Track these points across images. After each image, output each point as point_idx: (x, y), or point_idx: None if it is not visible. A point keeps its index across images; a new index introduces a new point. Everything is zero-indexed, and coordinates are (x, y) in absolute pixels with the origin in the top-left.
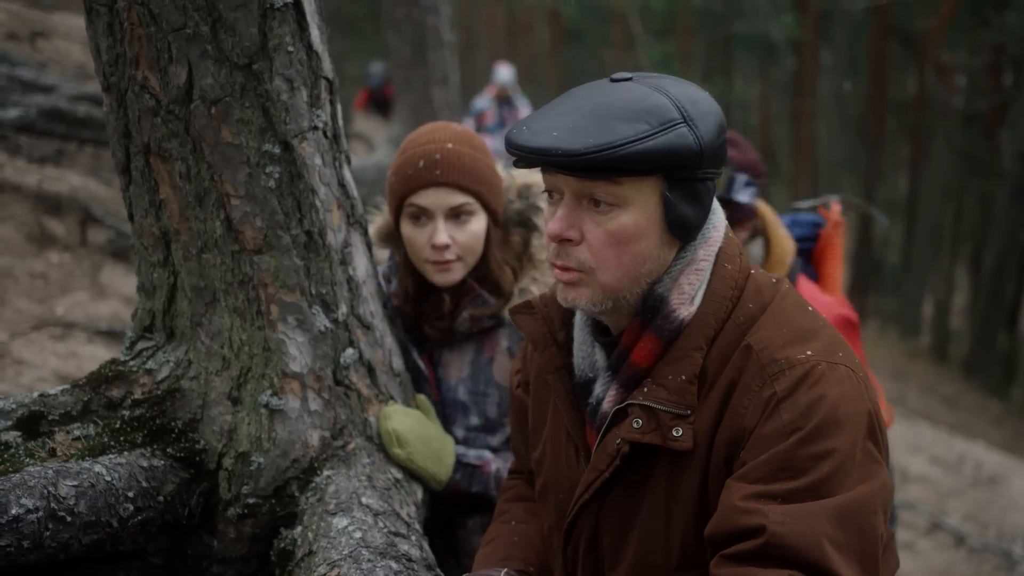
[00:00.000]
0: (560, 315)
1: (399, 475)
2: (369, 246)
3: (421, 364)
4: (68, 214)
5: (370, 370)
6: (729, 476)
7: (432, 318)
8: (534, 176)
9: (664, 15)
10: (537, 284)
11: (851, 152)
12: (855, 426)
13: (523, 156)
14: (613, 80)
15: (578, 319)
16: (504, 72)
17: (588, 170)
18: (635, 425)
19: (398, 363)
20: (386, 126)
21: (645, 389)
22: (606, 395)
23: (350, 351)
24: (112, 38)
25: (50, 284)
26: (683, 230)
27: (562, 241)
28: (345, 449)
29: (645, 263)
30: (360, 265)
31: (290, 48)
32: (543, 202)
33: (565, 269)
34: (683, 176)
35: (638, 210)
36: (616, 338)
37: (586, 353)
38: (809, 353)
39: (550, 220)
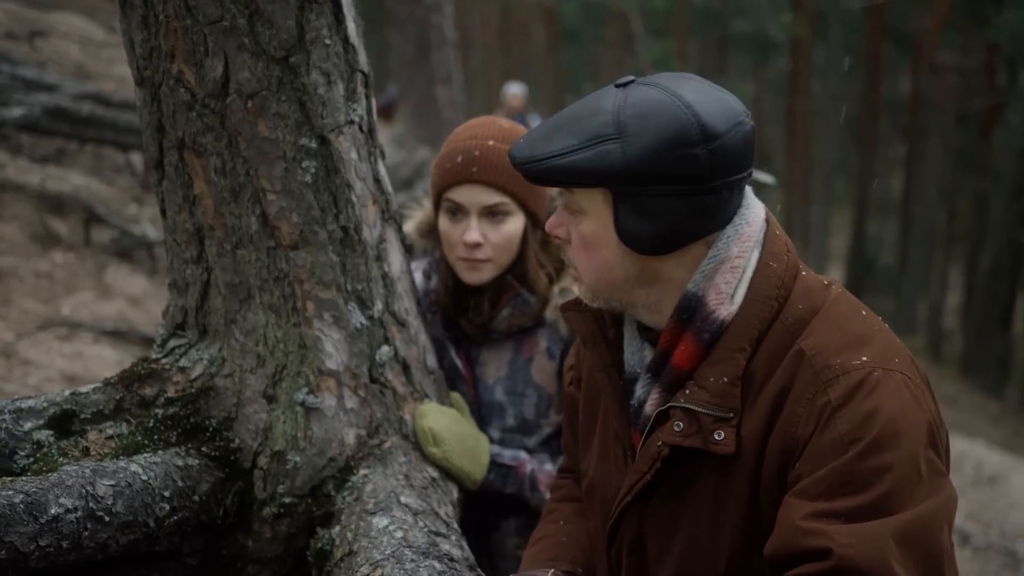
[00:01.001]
0: (611, 312)
1: (435, 474)
2: (403, 242)
3: (458, 362)
4: (71, 213)
5: (405, 368)
6: (783, 486)
7: (470, 314)
8: None
9: (663, 14)
10: (578, 284)
11: (845, 152)
12: (915, 436)
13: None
14: (616, 85)
15: (629, 317)
16: (515, 88)
17: (532, 179)
18: (676, 428)
19: (432, 361)
20: (387, 127)
21: (687, 391)
22: (648, 397)
23: (385, 348)
24: (147, 31)
25: (55, 284)
26: (638, 243)
27: (556, 237)
28: (381, 448)
29: (612, 270)
30: (395, 261)
31: (327, 41)
32: None
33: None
34: (629, 191)
35: (593, 219)
36: (657, 334)
37: (635, 349)
38: (864, 359)
39: None
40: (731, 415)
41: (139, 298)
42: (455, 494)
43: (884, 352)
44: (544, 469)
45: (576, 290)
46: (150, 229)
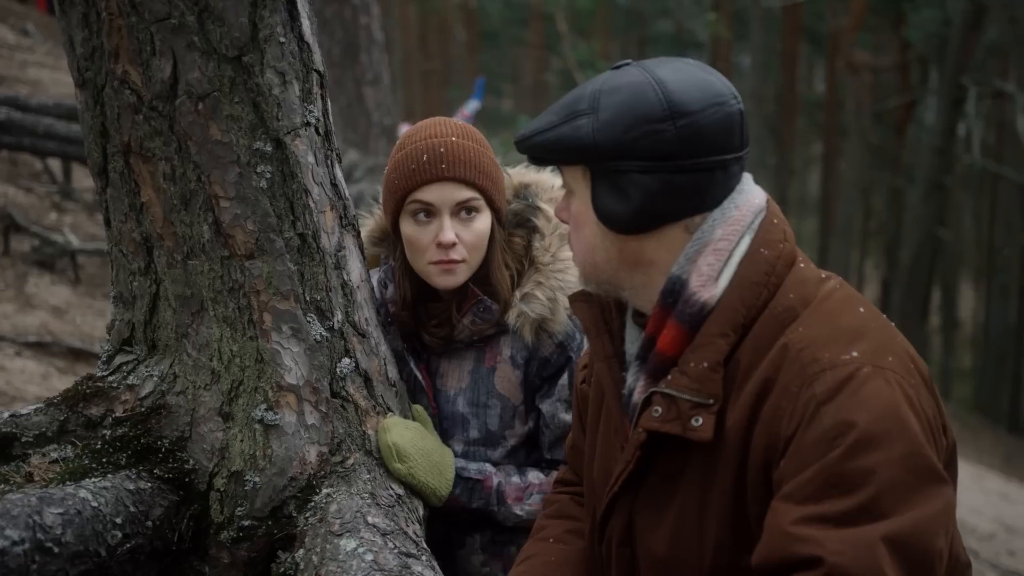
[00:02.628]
0: (616, 302)
1: (401, 491)
2: (361, 249)
3: (419, 375)
4: None
5: (367, 380)
6: (767, 483)
7: (431, 325)
8: (532, 175)
9: (588, 14)
10: (541, 288)
11: (763, 150)
12: (906, 437)
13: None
14: (612, 68)
15: (628, 304)
16: (473, 105)
17: (529, 157)
18: (654, 413)
19: (393, 372)
20: None
21: (669, 377)
22: (636, 385)
23: (346, 361)
24: (88, 30)
25: None
26: (612, 221)
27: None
28: (344, 465)
29: (595, 251)
30: (354, 269)
31: (282, 39)
32: (543, 203)
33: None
34: (603, 168)
35: (579, 198)
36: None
37: (634, 337)
38: (855, 354)
39: None
40: (711, 401)
41: (63, 309)
42: (421, 511)
43: (878, 349)
44: (511, 482)
45: (539, 295)
46: (72, 237)
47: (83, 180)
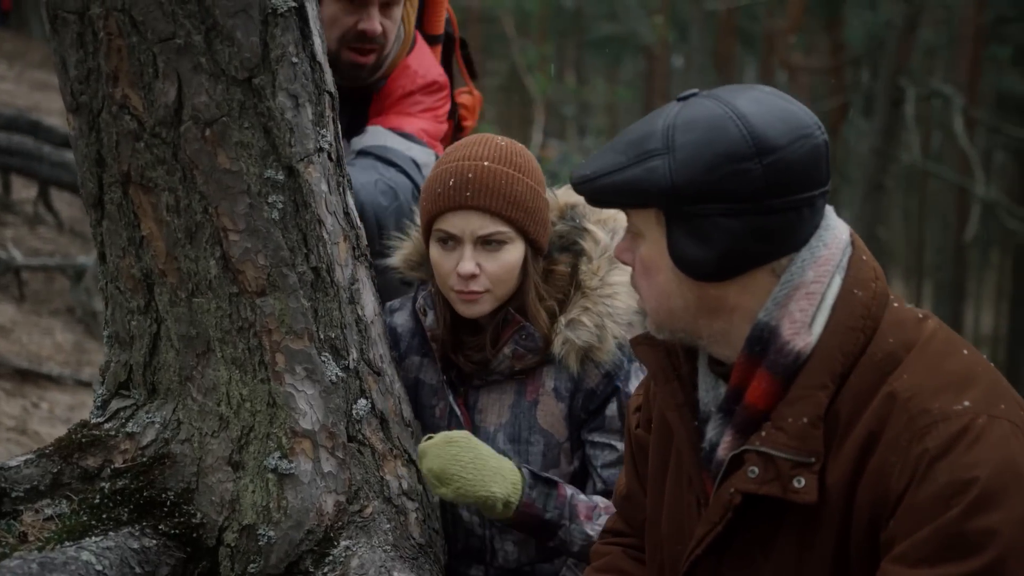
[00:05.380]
0: (684, 346)
1: (422, 540)
2: (374, 281)
3: (456, 408)
4: None
5: (383, 422)
6: (874, 545)
7: (468, 349)
8: (576, 196)
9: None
10: (588, 314)
11: None
12: None
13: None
14: (677, 99)
15: (701, 350)
16: None
17: (589, 200)
18: (751, 474)
19: (408, 411)
20: None
21: (763, 433)
22: (721, 440)
23: (362, 402)
24: (83, 50)
25: None
26: (693, 269)
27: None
28: (362, 514)
29: (670, 298)
30: (368, 303)
31: (294, 59)
32: (591, 224)
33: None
34: (681, 211)
35: (650, 242)
36: (730, 369)
37: (709, 386)
38: (967, 403)
39: None
40: (812, 460)
41: (8, 327)
42: (442, 559)
43: (989, 396)
44: (580, 499)
45: (586, 321)
46: (15, 252)
47: (21, 191)
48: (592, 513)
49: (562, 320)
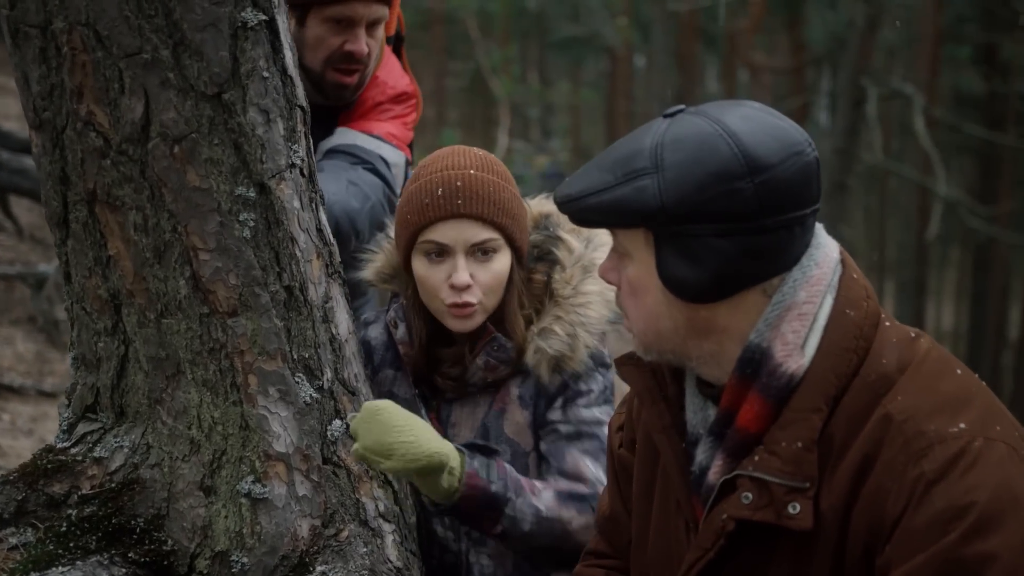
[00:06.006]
0: (671, 367)
1: (400, 563)
2: (347, 298)
3: (429, 423)
4: None
5: None
6: (870, 571)
7: (444, 367)
8: (551, 205)
9: (497, 18)
10: (560, 323)
11: None
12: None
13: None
14: (664, 116)
15: (689, 371)
16: None
17: (573, 220)
18: (744, 500)
19: None
20: None
21: (756, 458)
22: (711, 464)
23: (337, 423)
24: (46, 66)
25: None
26: (682, 290)
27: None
28: (338, 538)
29: (659, 319)
30: (342, 322)
31: (265, 73)
32: (565, 233)
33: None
34: (670, 231)
35: (638, 262)
36: (719, 391)
37: (697, 407)
38: (963, 426)
39: None
40: (807, 485)
41: None
42: None
43: (984, 417)
44: (519, 474)
45: (558, 330)
46: None
47: None
48: (534, 488)
49: (534, 329)
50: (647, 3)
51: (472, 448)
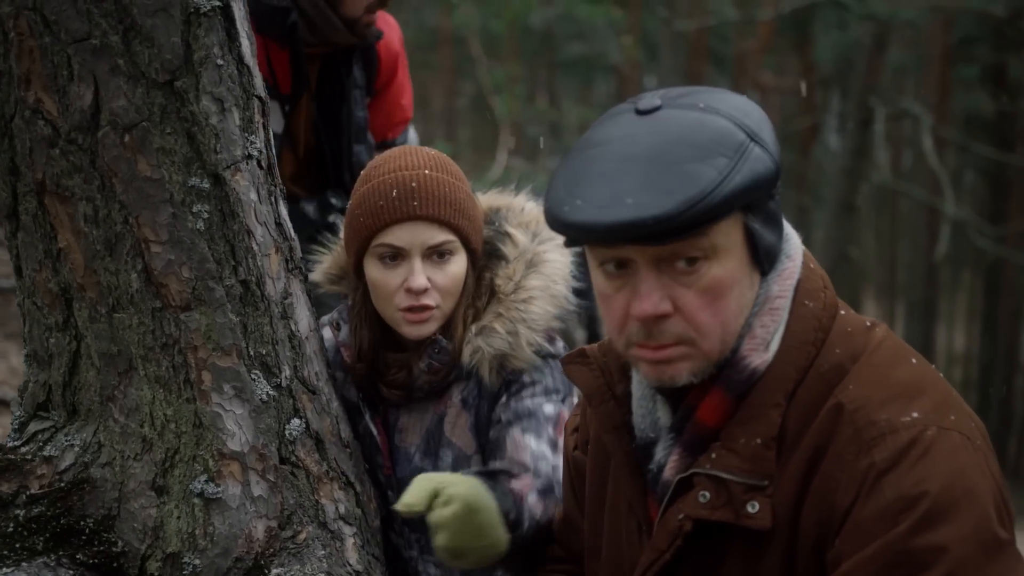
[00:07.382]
0: (619, 365)
1: (359, 567)
2: (309, 295)
3: (374, 430)
4: None
5: (318, 442)
6: (820, 566)
7: (389, 375)
8: (503, 199)
9: (501, 37)
10: (500, 320)
11: None
12: (978, 508)
13: (600, 237)
14: (641, 112)
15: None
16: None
17: (683, 230)
18: (701, 499)
19: (347, 431)
20: None
21: (713, 455)
22: (668, 460)
23: (296, 422)
24: None
25: None
26: (770, 259)
27: (656, 319)
28: (296, 540)
29: (742, 312)
30: (302, 318)
31: (219, 61)
32: (512, 227)
33: (660, 347)
34: (772, 195)
35: (727, 255)
36: (681, 390)
37: (647, 410)
38: (915, 415)
39: (620, 297)
40: (765, 483)
41: None
42: None
43: (939, 407)
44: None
45: (498, 328)
46: None
47: None
48: (524, 496)
49: (473, 328)
50: (654, 22)
51: (479, 474)
